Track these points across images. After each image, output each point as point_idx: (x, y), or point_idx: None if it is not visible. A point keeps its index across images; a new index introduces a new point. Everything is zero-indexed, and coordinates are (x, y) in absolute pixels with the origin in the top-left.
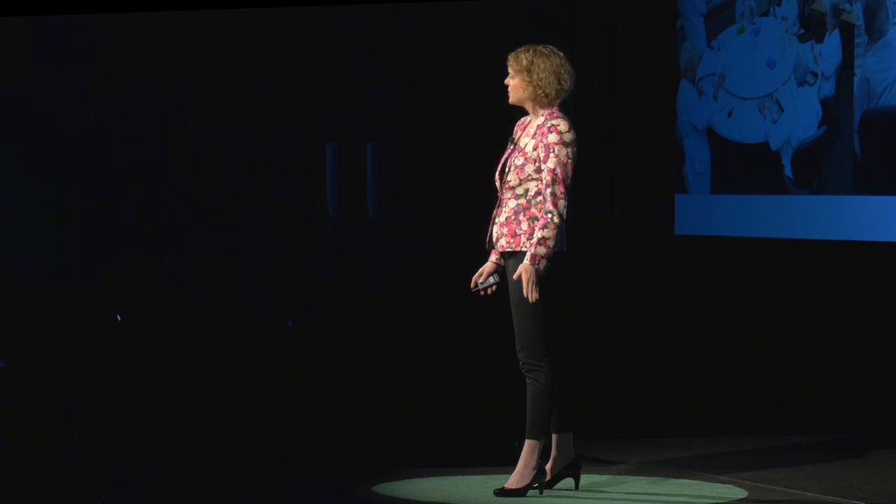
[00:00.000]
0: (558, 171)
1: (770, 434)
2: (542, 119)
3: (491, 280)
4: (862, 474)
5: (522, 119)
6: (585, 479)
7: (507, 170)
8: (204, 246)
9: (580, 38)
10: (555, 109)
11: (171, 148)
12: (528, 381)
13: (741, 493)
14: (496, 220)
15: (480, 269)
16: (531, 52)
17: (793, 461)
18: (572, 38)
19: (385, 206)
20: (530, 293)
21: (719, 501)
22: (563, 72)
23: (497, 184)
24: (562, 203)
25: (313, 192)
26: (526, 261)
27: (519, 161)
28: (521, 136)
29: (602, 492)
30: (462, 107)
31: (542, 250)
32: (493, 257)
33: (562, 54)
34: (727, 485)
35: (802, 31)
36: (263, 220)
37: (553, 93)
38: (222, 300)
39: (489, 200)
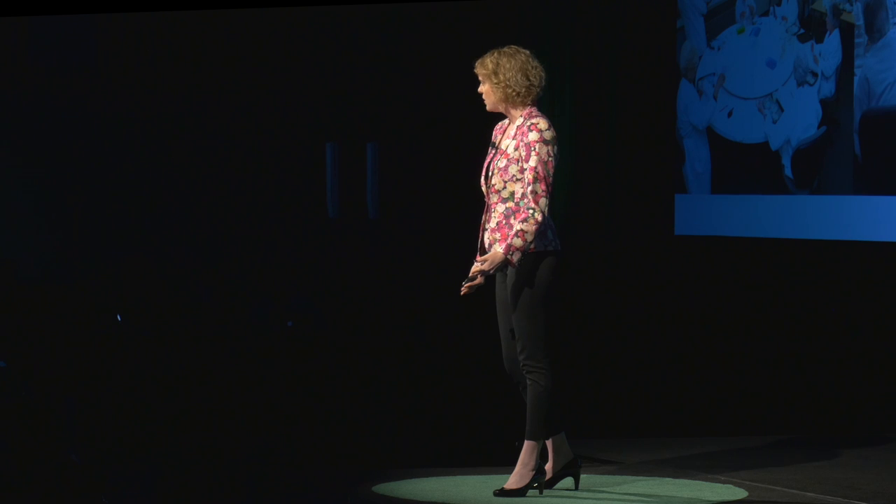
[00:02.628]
0: (539, 169)
1: (770, 434)
2: (521, 119)
3: (469, 280)
4: (862, 474)
5: (501, 122)
6: (585, 479)
7: (490, 174)
8: (204, 246)
9: (580, 38)
10: (533, 109)
11: (170, 148)
12: (528, 382)
13: (741, 493)
14: (486, 226)
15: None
16: (495, 54)
17: (793, 461)
18: (572, 38)
19: (385, 206)
20: (480, 271)
21: (719, 501)
22: (529, 68)
23: (483, 189)
24: (543, 201)
25: (313, 192)
26: (499, 249)
27: (502, 163)
28: (501, 139)
29: (602, 492)
30: (462, 107)
31: (518, 242)
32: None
33: (527, 52)
34: (727, 485)
35: (802, 31)
36: (263, 220)
37: (523, 90)
38: (222, 300)
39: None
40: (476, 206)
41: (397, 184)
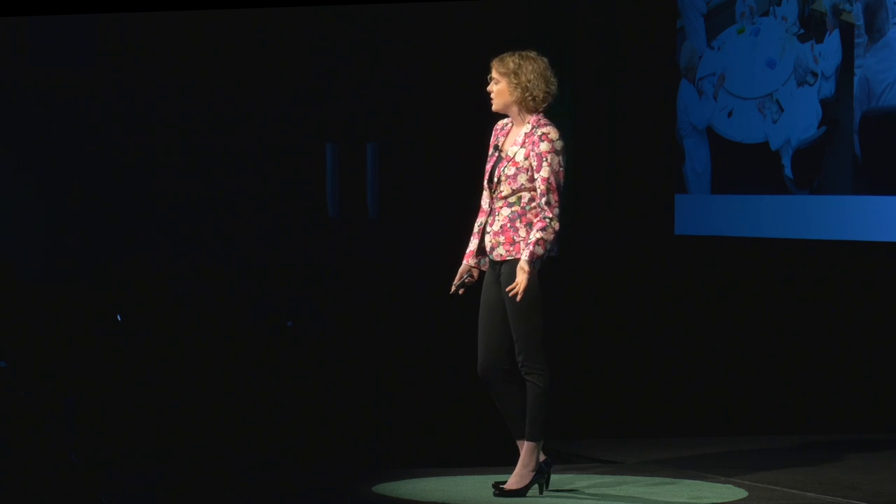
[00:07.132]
0: (552, 179)
1: (770, 434)
2: (529, 127)
3: (465, 278)
4: (862, 474)
5: (502, 124)
6: (586, 479)
7: (497, 179)
8: (204, 246)
9: (580, 38)
10: (541, 116)
11: (171, 148)
12: (527, 383)
13: (741, 493)
14: (487, 230)
15: (459, 273)
16: (517, 55)
17: (793, 461)
18: (572, 38)
19: (385, 206)
20: (521, 293)
21: (719, 501)
22: (549, 75)
23: (486, 192)
24: (556, 211)
25: (313, 192)
26: (524, 261)
27: (510, 171)
28: (504, 142)
29: (602, 492)
30: (462, 107)
31: (539, 250)
32: (471, 261)
33: (546, 59)
34: (727, 485)
35: (802, 31)
36: (263, 220)
37: (541, 96)
38: (222, 300)
39: None
40: (476, 207)
41: (397, 184)
